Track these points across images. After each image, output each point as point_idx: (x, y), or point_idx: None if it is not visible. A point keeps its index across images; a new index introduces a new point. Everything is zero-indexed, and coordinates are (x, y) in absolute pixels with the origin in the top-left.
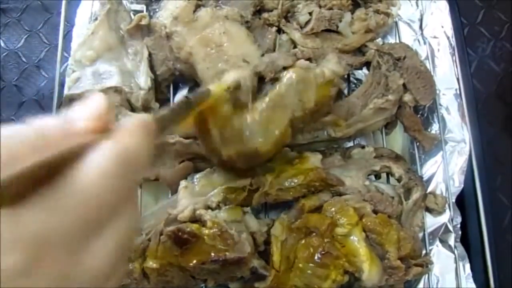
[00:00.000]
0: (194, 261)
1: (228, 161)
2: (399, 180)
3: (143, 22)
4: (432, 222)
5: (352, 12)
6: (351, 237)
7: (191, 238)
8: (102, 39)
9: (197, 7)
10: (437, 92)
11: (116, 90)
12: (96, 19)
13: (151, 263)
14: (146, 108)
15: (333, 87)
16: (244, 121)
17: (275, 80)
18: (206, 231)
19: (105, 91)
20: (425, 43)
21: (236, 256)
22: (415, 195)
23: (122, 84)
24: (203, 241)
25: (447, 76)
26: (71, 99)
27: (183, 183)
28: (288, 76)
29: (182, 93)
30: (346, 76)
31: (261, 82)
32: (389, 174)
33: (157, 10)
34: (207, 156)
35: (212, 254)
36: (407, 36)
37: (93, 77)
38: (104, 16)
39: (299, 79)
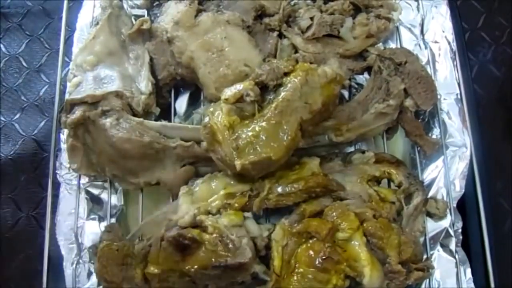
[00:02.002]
0: (196, 267)
1: (243, 171)
2: (399, 186)
3: (145, 27)
4: (433, 226)
5: (353, 17)
6: (352, 242)
7: (192, 244)
8: (103, 43)
9: (199, 12)
10: (438, 96)
11: (117, 94)
12: (97, 24)
13: (153, 269)
14: (147, 113)
15: (336, 85)
16: (254, 131)
17: (278, 86)
18: (207, 237)
19: (106, 95)
20: (426, 47)
21: (237, 261)
22: (416, 200)
23: (123, 88)
24: (204, 246)
25: (448, 81)
26: (72, 104)
27: (184, 188)
28: (291, 81)
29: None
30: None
31: (264, 90)
32: (389, 180)
33: (158, 15)
34: (221, 168)
35: (213, 259)
36: (408, 41)
37: (94, 82)
38: (105, 21)
39: (302, 82)
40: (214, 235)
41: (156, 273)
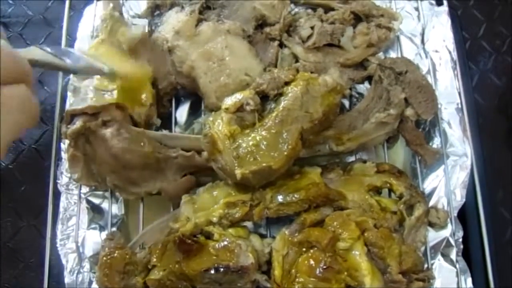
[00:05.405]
0: (198, 268)
1: (243, 180)
2: (400, 197)
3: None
4: (434, 236)
5: (354, 26)
6: (353, 251)
7: (194, 244)
8: (103, 56)
9: (199, 21)
10: (439, 106)
11: (118, 106)
12: (97, 36)
13: (156, 272)
14: (148, 124)
15: (337, 95)
16: (255, 140)
17: (278, 95)
18: (212, 243)
19: (107, 106)
20: (426, 57)
21: (239, 265)
22: (418, 211)
23: (124, 100)
24: (207, 249)
25: (448, 90)
26: (73, 114)
27: (185, 197)
28: (292, 90)
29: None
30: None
31: (265, 99)
32: (390, 190)
33: (159, 24)
34: (222, 177)
35: (216, 262)
36: (408, 50)
37: (94, 93)
38: (105, 34)
39: (303, 91)
40: (220, 241)
41: (157, 278)
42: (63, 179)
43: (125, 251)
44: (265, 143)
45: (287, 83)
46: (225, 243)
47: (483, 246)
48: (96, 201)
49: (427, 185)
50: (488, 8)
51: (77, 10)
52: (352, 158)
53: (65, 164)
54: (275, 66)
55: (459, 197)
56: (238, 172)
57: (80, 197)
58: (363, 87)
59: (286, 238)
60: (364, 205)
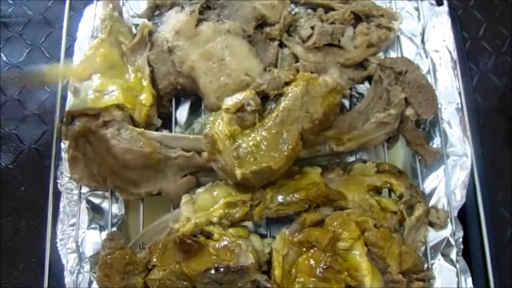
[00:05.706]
0: (198, 268)
1: (244, 181)
2: (400, 197)
3: (146, 30)
4: (434, 236)
5: (354, 26)
6: (353, 251)
7: (195, 244)
8: (103, 56)
9: (199, 21)
10: (439, 106)
11: (118, 107)
12: (97, 36)
13: (156, 272)
14: (149, 124)
15: (337, 95)
16: (255, 140)
17: (279, 96)
18: (212, 243)
19: (107, 108)
20: (426, 57)
21: (239, 265)
22: (418, 211)
23: (124, 101)
24: (207, 249)
25: (448, 90)
26: (73, 115)
27: (185, 197)
28: (292, 90)
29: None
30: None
31: (265, 99)
32: (390, 190)
33: (159, 24)
34: (222, 177)
35: (216, 262)
36: (409, 50)
37: (95, 94)
38: (105, 34)
39: (303, 91)
40: (220, 240)
41: (158, 278)
42: (63, 179)
43: (125, 251)
44: (265, 143)
45: (287, 83)
46: (225, 243)
47: (483, 246)
48: (96, 201)
49: (427, 185)
50: (488, 8)
51: (77, 10)
52: (352, 158)
53: (65, 164)
54: (275, 66)
55: (459, 197)
56: (238, 172)
57: (80, 197)
58: (363, 87)
59: (286, 238)
60: (364, 205)
